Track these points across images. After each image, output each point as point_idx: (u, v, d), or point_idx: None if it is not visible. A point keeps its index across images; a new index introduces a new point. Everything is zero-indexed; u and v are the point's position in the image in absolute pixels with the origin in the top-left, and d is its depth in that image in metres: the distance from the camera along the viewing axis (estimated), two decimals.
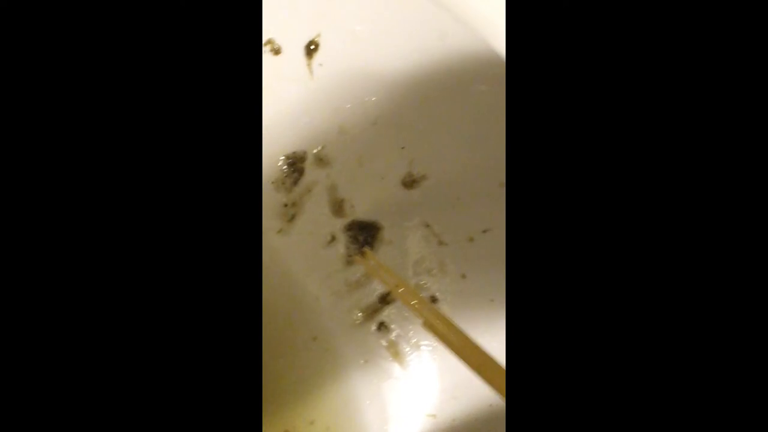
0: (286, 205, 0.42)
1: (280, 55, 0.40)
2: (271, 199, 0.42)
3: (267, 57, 0.40)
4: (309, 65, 0.40)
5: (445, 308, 0.43)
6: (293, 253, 0.42)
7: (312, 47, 0.40)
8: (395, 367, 0.43)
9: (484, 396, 0.42)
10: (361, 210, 0.42)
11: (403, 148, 0.41)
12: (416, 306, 0.36)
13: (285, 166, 0.41)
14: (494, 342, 0.41)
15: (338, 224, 0.42)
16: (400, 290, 0.37)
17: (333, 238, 0.42)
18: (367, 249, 0.40)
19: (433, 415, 0.43)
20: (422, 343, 0.43)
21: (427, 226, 0.42)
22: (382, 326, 0.43)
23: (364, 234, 0.42)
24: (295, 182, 0.42)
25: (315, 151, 0.41)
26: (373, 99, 0.40)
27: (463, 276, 0.42)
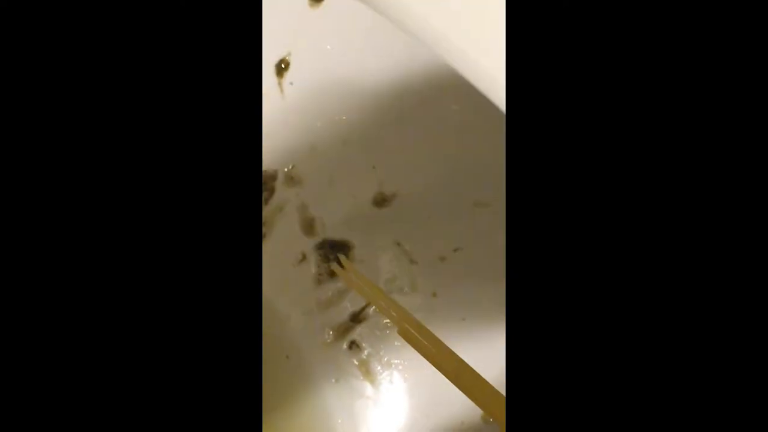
0: None
1: None
2: None
3: None
4: (280, 84, 0.40)
5: None
6: (264, 271, 0.42)
7: (282, 66, 0.40)
8: (367, 386, 0.43)
9: (456, 414, 0.42)
10: (332, 229, 0.42)
11: (374, 167, 0.41)
12: (395, 316, 0.36)
13: None
14: (467, 361, 0.41)
15: (309, 243, 0.42)
16: (379, 300, 0.37)
17: (304, 257, 0.42)
18: (344, 258, 0.40)
19: None
20: (394, 361, 0.43)
21: (399, 244, 0.42)
22: (354, 345, 0.43)
23: (335, 253, 0.42)
24: (266, 201, 0.41)
25: (286, 169, 0.41)
26: (344, 118, 0.40)
27: (434, 294, 0.42)
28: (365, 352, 0.43)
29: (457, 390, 0.33)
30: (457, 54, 0.21)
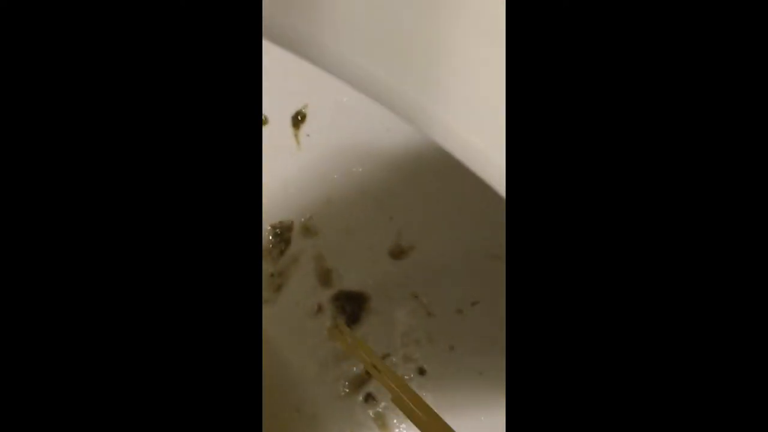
0: (272, 275, 0.41)
1: (267, 126, 0.40)
2: None
3: None
4: (296, 135, 0.40)
5: (432, 380, 0.42)
6: (279, 323, 0.42)
7: (299, 118, 0.40)
8: None
9: None
10: (348, 280, 0.42)
11: (391, 218, 0.41)
12: (392, 386, 0.35)
13: (272, 236, 0.41)
14: (482, 415, 0.41)
15: (325, 294, 0.42)
16: (376, 369, 0.37)
17: (320, 308, 0.42)
18: (341, 323, 0.40)
19: None
20: None
21: (416, 296, 0.41)
22: (370, 397, 0.42)
23: (351, 304, 0.41)
24: (282, 252, 0.41)
25: (302, 220, 0.41)
26: (360, 170, 0.40)
27: (452, 348, 0.41)
28: (381, 405, 0.43)
29: None
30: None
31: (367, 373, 0.42)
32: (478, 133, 0.23)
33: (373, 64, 0.25)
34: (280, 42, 0.26)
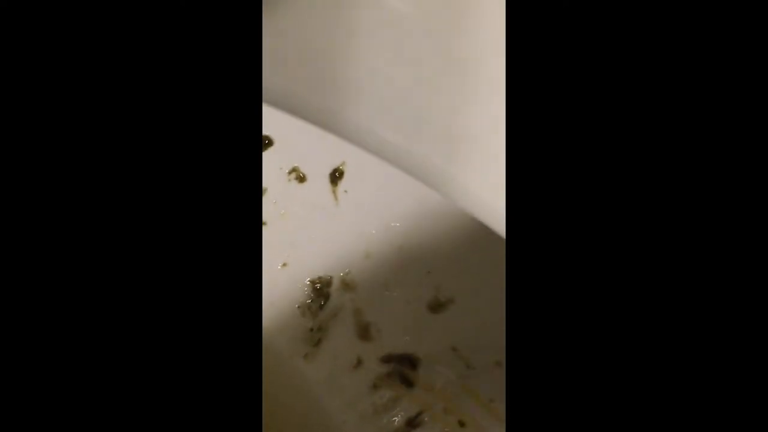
0: (311, 330, 0.42)
1: (305, 183, 0.40)
2: (296, 323, 0.42)
3: (293, 185, 0.40)
4: (334, 192, 0.40)
5: None
6: (319, 377, 0.42)
7: (337, 175, 0.40)
8: None
9: None
10: (387, 334, 0.42)
11: (428, 272, 0.41)
12: None
13: (311, 291, 0.41)
14: None
15: (365, 348, 0.42)
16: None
17: (359, 362, 0.42)
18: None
19: None
20: None
21: (455, 349, 0.42)
22: None
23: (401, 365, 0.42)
24: (321, 306, 0.41)
25: (341, 275, 0.41)
26: (398, 224, 0.40)
27: (491, 400, 0.41)
28: None
29: None
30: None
31: (411, 424, 0.42)
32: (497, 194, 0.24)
33: (393, 133, 0.26)
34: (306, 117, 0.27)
